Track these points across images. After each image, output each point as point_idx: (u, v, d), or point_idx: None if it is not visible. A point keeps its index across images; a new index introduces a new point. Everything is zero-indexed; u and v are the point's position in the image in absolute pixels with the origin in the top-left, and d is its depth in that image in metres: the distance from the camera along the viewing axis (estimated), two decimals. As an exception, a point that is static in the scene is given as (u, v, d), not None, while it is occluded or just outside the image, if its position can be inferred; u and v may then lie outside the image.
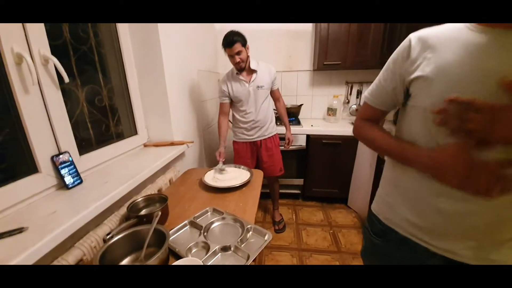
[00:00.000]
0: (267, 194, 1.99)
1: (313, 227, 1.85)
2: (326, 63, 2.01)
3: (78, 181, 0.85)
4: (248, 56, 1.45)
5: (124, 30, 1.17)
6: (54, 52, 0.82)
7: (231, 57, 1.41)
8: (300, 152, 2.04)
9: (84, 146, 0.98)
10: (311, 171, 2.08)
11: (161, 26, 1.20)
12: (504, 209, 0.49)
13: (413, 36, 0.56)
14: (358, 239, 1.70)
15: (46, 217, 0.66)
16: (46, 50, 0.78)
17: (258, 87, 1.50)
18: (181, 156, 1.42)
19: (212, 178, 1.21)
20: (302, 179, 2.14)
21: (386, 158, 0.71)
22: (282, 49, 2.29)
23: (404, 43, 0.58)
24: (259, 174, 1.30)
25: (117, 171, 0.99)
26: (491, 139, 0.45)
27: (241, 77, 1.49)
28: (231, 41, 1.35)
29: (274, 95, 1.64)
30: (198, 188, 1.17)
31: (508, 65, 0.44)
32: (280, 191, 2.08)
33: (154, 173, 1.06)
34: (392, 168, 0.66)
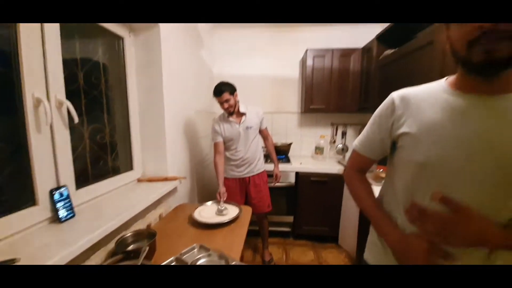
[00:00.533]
0: (256, 232, 1.97)
1: (303, 268, 1.80)
2: (312, 107, 2.22)
3: (71, 214, 0.89)
4: (236, 102, 1.63)
5: (132, 76, 1.34)
6: (68, 95, 0.94)
7: (221, 103, 1.58)
8: (289, 189, 2.10)
9: (81, 180, 1.04)
10: (301, 208, 2.11)
11: (165, 72, 1.37)
12: None
13: (396, 95, 0.62)
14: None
15: (38, 249, 0.69)
16: (61, 95, 0.89)
17: (247, 127, 1.65)
18: (173, 191, 1.46)
19: (200, 214, 1.24)
20: (292, 216, 2.15)
21: None
22: (272, 93, 2.54)
23: (388, 101, 0.64)
24: (247, 210, 1.34)
25: (109, 206, 1.03)
26: (448, 243, 0.52)
27: (231, 119, 1.65)
28: (220, 90, 1.55)
29: (263, 134, 1.79)
30: (188, 224, 1.19)
31: (486, 130, 0.49)
32: (271, 228, 2.07)
33: (145, 208, 1.10)
34: None
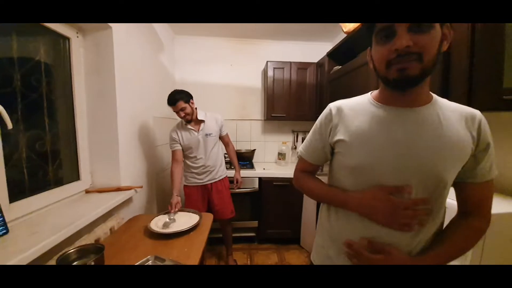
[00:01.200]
0: (220, 239, 1.95)
1: (266, 272, 1.83)
2: (273, 115, 2.32)
3: (4, 231, 0.78)
4: (193, 109, 1.62)
5: (79, 78, 1.24)
6: (1, 98, 0.84)
7: (177, 112, 1.57)
8: (253, 194, 2.14)
9: (16, 193, 0.92)
10: (265, 213, 2.16)
11: (118, 75, 1.30)
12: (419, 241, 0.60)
13: (333, 106, 0.68)
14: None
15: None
16: (-10, 98, 0.79)
17: (206, 134, 1.65)
18: (127, 202, 1.37)
19: (157, 224, 1.19)
20: (257, 221, 2.19)
21: (321, 207, 0.77)
22: (236, 101, 2.59)
23: (326, 111, 0.69)
24: (208, 217, 1.33)
25: (50, 220, 0.93)
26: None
27: (189, 126, 1.63)
28: (174, 99, 1.53)
29: (224, 140, 1.80)
30: (143, 235, 1.13)
31: (404, 137, 0.57)
32: (235, 235, 2.07)
33: (93, 222, 1.01)
34: (327, 216, 0.72)
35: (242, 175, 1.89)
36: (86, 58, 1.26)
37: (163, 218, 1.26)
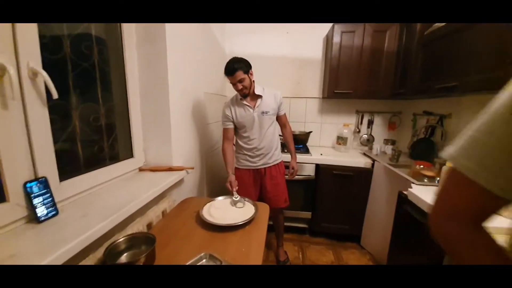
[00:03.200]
0: (270, 227, 1.79)
1: (322, 271, 1.63)
2: (336, 91, 1.95)
3: (53, 212, 0.72)
4: (252, 82, 1.39)
5: (131, 49, 1.13)
6: (50, 66, 0.75)
7: (234, 84, 1.35)
8: (308, 182, 1.89)
9: (69, 170, 0.87)
10: (320, 204, 1.90)
11: (169, 47, 1.15)
12: None
13: None
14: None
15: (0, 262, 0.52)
16: (36, 63, 0.70)
17: (263, 112, 1.42)
18: (179, 183, 1.28)
19: (209, 211, 1.06)
20: (310, 213, 1.96)
21: None
22: (290, 75, 2.27)
23: None
24: (265, 209, 1.15)
25: (102, 201, 0.86)
26: None
27: (245, 102, 1.42)
28: (232, 69, 1.31)
29: (281, 120, 1.55)
30: (195, 223, 1.02)
31: None
32: (286, 224, 1.88)
33: (146, 204, 0.92)
34: None
35: (283, 159, 1.63)
36: (137, 27, 1.13)
37: (216, 204, 1.12)
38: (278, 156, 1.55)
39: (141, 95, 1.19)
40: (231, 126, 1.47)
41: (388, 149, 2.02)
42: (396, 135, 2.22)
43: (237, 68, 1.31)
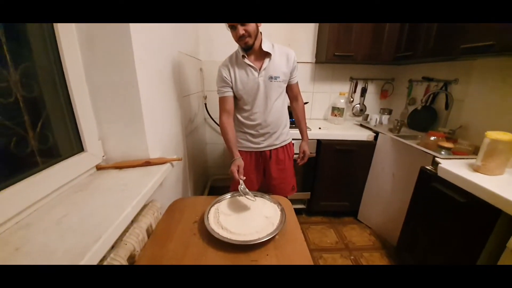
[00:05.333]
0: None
1: (330, 253, 1.52)
2: (337, 54, 1.67)
3: None
4: (258, 31, 1.01)
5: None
6: None
7: (233, 29, 0.95)
8: (308, 160, 1.67)
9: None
10: (320, 183, 1.74)
11: None
12: None
13: None
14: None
15: None
16: None
17: (271, 78, 1.07)
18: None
19: (218, 221, 0.75)
20: (309, 193, 1.80)
21: None
22: (279, 36, 1.89)
23: None
24: (288, 205, 0.89)
25: (34, 244, 0.47)
26: None
27: (248, 61, 1.04)
28: None
29: (292, 91, 1.21)
30: (201, 241, 0.70)
31: None
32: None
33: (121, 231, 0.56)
34: None
35: (292, 137, 1.32)
36: None
37: (224, 208, 0.82)
38: (287, 136, 1.25)
39: (85, 55, 0.73)
40: (230, 93, 1.09)
41: (385, 119, 1.90)
42: (388, 103, 2.12)
43: None
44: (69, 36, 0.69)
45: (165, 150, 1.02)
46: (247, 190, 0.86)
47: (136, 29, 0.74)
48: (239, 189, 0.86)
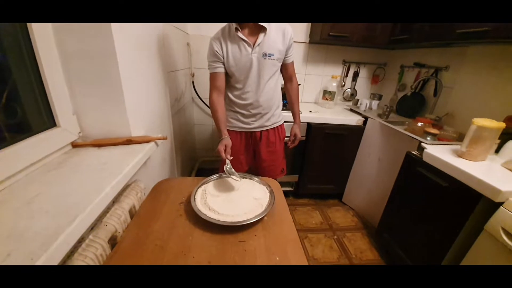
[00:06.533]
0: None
1: (315, 234, 1.57)
2: (332, 34, 1.61)
3: None
4: None
5: None
6: None
7: None
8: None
9: None
10: (309, 166, 1.76)
11: None
12: None
13: None
14: (366, 245, 1.49)
15: None
16: None
17: (265, 55, 1.01)
18: (145, 161, 0.87)
19: (205, 204, 0.73)
20: (297, 176, 1.81)
21: None
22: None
23: None
24: (276, 187, 0.88)
25: (6, 222, 0.43)
26: None
27: (241, 35, 0.97)
28: None
29: (286, 71, 1.15)
30: (187, 222, 0.68)
31: None
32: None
33: (100, 212, 0.53)
34: None
35: (284, 119, 1.29)
36: None
37: (211, 189, 0.79)
38: (279, 118, 1.21)
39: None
40: (221, 69, 1.03)
41: (375, 104, 1.91)
42: (378, 89, 2.12)
43: None
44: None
45: (149, 128, 0.96)
46: (233, 170, 0.84)
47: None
48: (224, 169, 0.84)
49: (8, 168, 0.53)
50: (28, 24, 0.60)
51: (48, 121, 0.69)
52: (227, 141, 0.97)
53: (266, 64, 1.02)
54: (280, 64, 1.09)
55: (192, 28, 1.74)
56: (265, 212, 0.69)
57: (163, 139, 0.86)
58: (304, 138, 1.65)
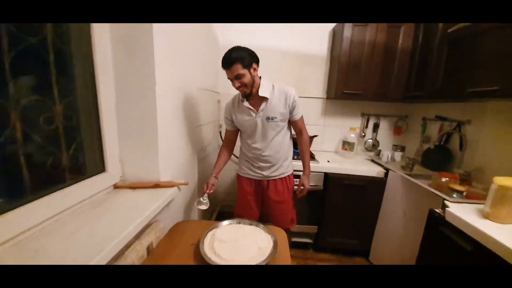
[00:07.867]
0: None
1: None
2: (346, 92, 1.76)
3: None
4: (254, 79, 1.11)
5: (102, 26, 0.82)
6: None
7: (231, 80, 1.09)
8: (315, 193, 1.68)
9: (5, 197, 0.56)
10: (328, 217, 1.70)
11: (156, 28, 0.86)
12: None
13: None
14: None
15: None
16: None
17: (268, 118, 1.16)
18: (167, 204, 1.00)
19: (212, 247, 0.79)
20: (316, 226, 1.76)
21: None
22: (291, 72, 2.04)
23: None
24: (282, 237, 0.90)
25: (56, 247, 0.56)
26: None
27: (246, 104, 1.16)
28: (229, 60, 1.03)
29: (296, 126, 1.27)
30: (194, 263, 0.75)
31: None
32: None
33: (125, 243, 0.64)
34: None
35: (297, 169, 1.38)
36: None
37: (220, 234, 0.86)
38: (288, 169, 1.29)
39: (117, 88, 0.89)
40: (230, 127, 1.28)
41: (398, 156, 1.88)
42: (401, 140, 2.09)
43: (235, 59, 1.02)
44: (106, 74, 0.86)
45: (175, 174, 1.12)
46: (201, 201, 1.09)
47: (160, 65, 0.90)
48: (200, 199, 1.07)
49: (64, 204, 0.70)
50: (98, 95, 0.84)
51: (100, 167, 0.88)
52: (213, 180, 1.20)
53: (269, 125, 1.17)
54: (285, 123, 1.21)
55: (222, 87, 2.06)
56: (264, 262, 0.72)
57: (185, 184, 1.01)
58: (321, 187, 1.66)
